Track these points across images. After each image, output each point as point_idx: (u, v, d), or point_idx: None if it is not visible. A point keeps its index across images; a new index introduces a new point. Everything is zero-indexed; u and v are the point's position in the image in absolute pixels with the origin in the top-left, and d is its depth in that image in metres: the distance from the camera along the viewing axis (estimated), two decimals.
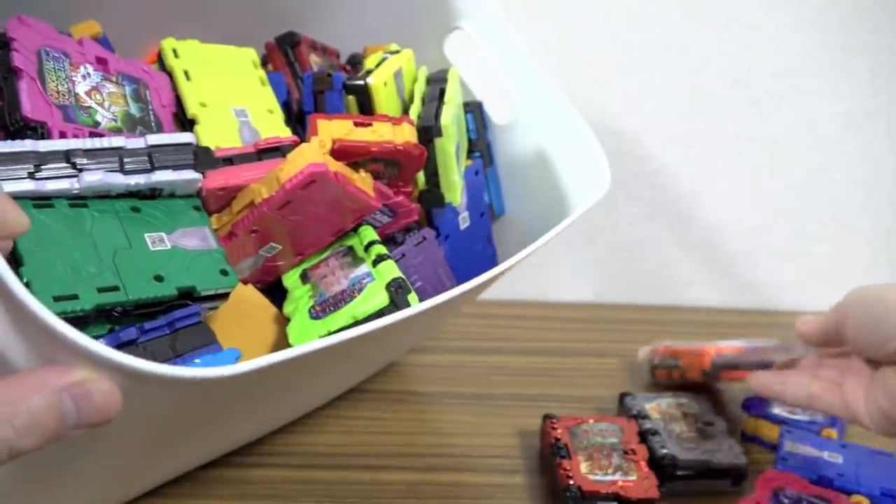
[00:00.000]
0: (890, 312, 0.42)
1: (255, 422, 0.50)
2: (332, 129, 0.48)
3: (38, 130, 0.35)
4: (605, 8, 0.76)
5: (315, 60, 0.58)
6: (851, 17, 0.78)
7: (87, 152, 0.37)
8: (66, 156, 0.37)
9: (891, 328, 0.42)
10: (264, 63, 0.57)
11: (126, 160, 0.39)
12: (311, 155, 0.44)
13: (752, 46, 0.78)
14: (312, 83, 0.52)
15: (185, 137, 0.42)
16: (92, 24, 0.46)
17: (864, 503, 0.49)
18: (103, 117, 0.39)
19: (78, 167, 0.37)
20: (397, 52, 0.56)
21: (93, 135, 0.38)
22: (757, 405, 0.58)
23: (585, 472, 0.49)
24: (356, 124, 0.49)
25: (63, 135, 0.36)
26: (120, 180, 0.38)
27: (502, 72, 0.62)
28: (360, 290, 0.45)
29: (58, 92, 0.37)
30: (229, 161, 0.45)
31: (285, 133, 0.52)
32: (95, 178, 0.37)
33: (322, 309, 0.45)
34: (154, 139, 0.41)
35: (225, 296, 0.42)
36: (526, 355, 0.70)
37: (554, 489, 0.50)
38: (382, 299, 0.43)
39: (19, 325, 0.28)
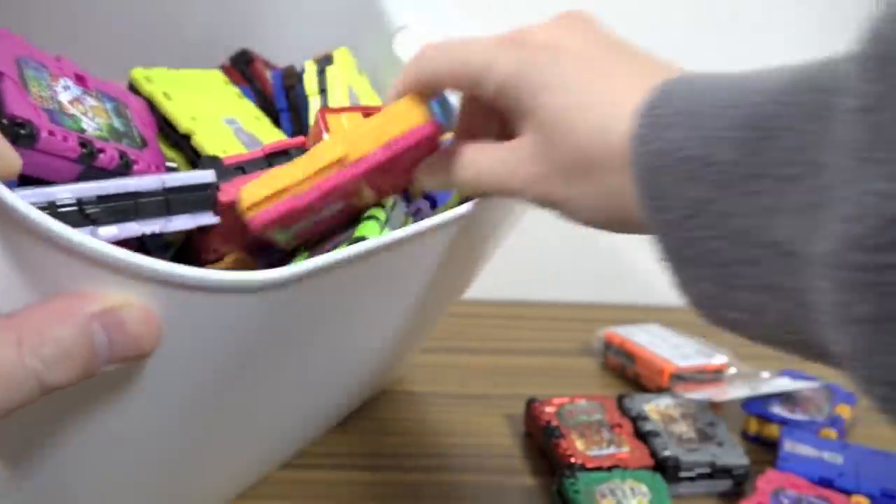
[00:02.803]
0: None
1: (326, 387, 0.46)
2: (342, 123, 0.46)
3: (25, 128, 0.34)
4: (604, 7, 0.76)
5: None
6: (851, 18, 0.77)
7: (101, 199, 0.35)
8: (78, 202, 0.35)
9: None
10: None
11: (141, 201, 0.36)
12: (418, 114, 0.39)
13: (752, 46, 0.78)
14: (282, 78, 0.52)
15: (205, 177, 0.39)
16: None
17: (864, 503, 0.49)
18: (88, 126, 0.39)
19: (91, 217, 0.35)
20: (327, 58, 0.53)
21: (81, 140, 0.37)
22: (757, 405, 0.58)
23: (582, 448, 0.51)
24: (365, 115, 0.46)
25: (52, 134, 0.35)
26: (135, 230, 0.36)
27: None
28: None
29: (41, 97, 0.37)
30: (241, 169, 0.44)
31: (279, 134, 0.52)
32: (111, 233, 0.35)
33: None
34: (172, 180, 0.37)
35: None
36: (526, 355, 0.70)
37: (553, 470, 0.51)
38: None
39: (34, 255, 0.25)
